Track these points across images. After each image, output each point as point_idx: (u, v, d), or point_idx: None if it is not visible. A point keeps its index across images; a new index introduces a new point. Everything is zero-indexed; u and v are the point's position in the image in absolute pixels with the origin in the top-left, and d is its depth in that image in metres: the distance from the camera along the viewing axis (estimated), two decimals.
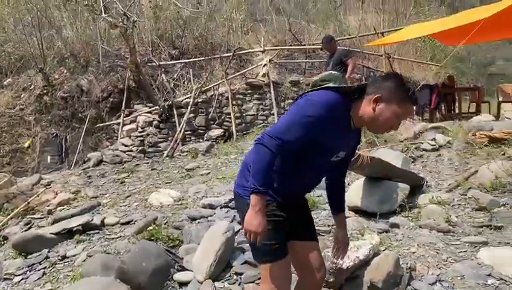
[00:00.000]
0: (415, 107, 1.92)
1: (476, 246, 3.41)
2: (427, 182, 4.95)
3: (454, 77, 11.68)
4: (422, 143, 6.09)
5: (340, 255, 2.34)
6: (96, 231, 4.55)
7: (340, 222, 2.32)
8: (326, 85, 1.94)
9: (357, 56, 9.98)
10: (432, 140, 6.08)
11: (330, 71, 2.57)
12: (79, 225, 4.48)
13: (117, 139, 9.01)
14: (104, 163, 8.22)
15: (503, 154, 5.31)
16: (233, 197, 2.21)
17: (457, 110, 10.36)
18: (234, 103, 9.44)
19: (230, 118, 9.26)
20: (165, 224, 4.48)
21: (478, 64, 22.08)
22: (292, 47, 11.16)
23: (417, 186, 4.65)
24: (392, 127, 1.93)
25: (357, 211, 4.31)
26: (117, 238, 4.40)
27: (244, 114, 9.62)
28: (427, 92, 9.18)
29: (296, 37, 11.53)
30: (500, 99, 9.84)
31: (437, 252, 3.33)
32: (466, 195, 4.50)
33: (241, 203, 2.02)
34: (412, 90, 1.87)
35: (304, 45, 11.19)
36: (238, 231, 3.83)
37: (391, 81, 1.88)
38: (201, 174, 6.57)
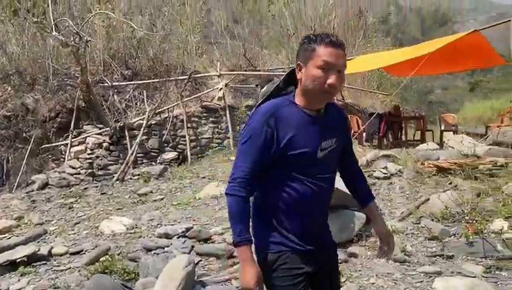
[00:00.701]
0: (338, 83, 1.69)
1: (431, 276, 3.52)
2: (380, 210, 5.09)
3: (400, 105, 12.27)
4: (374, 171, 6.26)
5: (388, 253, 1.98)
6: (43, 262, 4.30)
7: (371, 214, 2.07)
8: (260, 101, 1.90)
9: None
10: (383, 168, 6.25)
11: (265, 87, 2.43)
12: (24, 255, 4.20)
13: (64, 161, 8.60)
14: (49, 186, 7.84)
15: (450, 183, 5.57)
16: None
17: (403, 138, 10.86)
18: (189, 125, 9.33)
19: (185, 140, 9.12)
20: (118, 255, 4.29)
21: (419, 92, 23.35)
22: (247, 72, 11.25)
23: None
24: (326, 81, 1.68)
25: None
26: (66, 270, 4.17)
27: (199, 137, 9.52)
28: (376, 121, 9.56)
29: (251, 63, 11.66)
30: (443, 128, 10.42)
31: (395, 283, 3.40)
32: (419, 223, 4.66)
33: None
34: (320, 34, 1.71)
35: (259, 70, 11.33)
36: (198, 263, 3.74)
37: (300, 45, 1.78)
38: (155, 200, 6.40)
